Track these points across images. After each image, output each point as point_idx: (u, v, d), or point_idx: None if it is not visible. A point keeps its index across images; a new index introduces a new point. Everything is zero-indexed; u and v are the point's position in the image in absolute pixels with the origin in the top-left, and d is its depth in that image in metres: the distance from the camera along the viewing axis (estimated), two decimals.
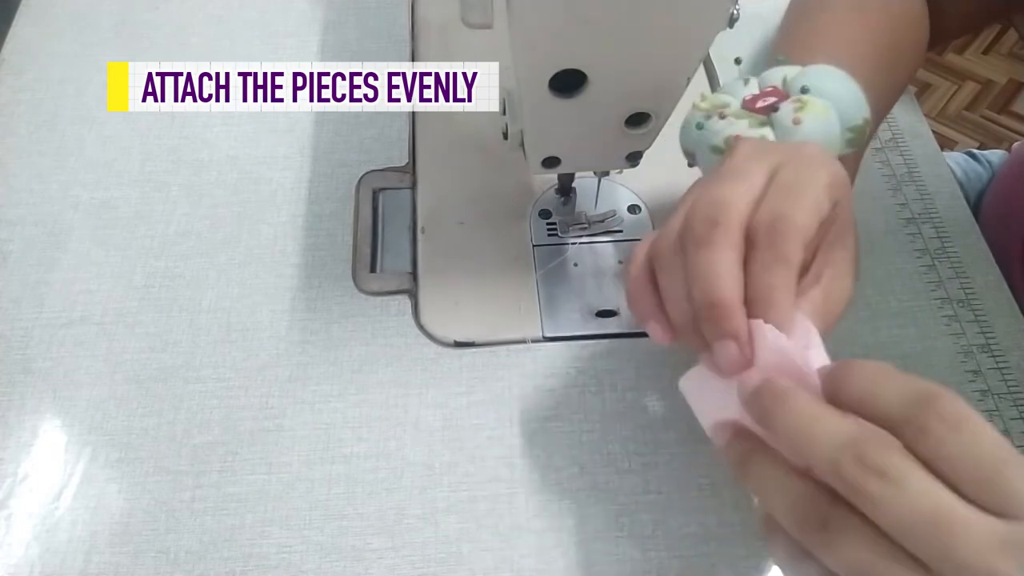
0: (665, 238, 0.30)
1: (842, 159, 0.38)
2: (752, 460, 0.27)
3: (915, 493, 0.22)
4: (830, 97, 0.34)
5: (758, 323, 0.27)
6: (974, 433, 0.22)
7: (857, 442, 0.23)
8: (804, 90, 0.34)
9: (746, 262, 0.28)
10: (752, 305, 0.27)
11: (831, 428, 0.24)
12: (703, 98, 0.37)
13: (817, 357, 0.28)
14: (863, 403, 0.24)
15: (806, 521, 0.24)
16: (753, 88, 0.36)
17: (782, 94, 0.35)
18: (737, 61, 0.38)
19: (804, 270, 0.30)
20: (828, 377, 0.26)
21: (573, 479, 0.39)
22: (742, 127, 0.35)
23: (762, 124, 0.34)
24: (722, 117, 0.36)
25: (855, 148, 0.35)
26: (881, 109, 0.44)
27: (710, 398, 0.30)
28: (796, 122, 0.33)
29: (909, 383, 0.24)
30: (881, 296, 0.45)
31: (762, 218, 0.28)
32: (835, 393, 0.25)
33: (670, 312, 0.30)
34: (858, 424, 0.24)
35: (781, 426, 0.25)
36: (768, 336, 0.27)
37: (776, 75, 0.36)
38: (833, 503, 0.23)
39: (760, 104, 0.35)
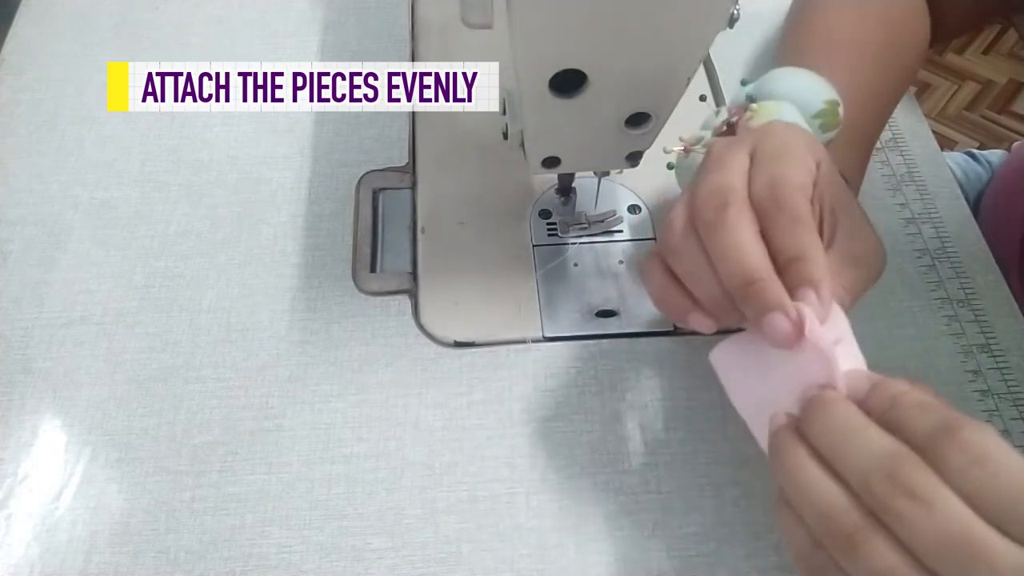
0: (672, 232, 0.30)
1: (839, 150, 0.38)
2: (788, 454, 0.26)
3: (943, 516, 0.22)
4: (784, 95, 0.36)
5: (802, 308, 0.27)
6: (995, 468, 0.22)
7: (891, 459, 0.23)
8: (751, 99, 0.36)
9: (764, 234, 0.28)
10: (788, 269, 0.27)
11: (866, 442, 0.24)
12: (681, 139, 0.39)
13: (846, 354, 0.27)
14: (891, 423, 0.25)
15: (832, 529, 0.24)
16: (723, 116, 0.38)
17: (742, 111, 0.37)
18: (743, 83, 0.39)
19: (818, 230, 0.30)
20: (867, 392, 0.26)
21: (573, 479, 0.39)
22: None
23: None
24: (687, 153, 0.38)
25: (830, 131, 0.36)
26: (886, 103, 0.45)
27: (744, 374, 0.30)
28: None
29: (937, 411, 0.24)
30: (881, 296, 0.45)
31: (761, 189, 0.28)
32: (867, 407, 0.26)
33: (701, 298, 0.30)
34: (894, 443, 0.24)
35: (818, 431, 0.25)
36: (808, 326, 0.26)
37: (740, 96, 0.38)
38: (863, 515, 0.23)
39: (724, 128, 0.37)
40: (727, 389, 0.30)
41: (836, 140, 0.38)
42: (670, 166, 0.41)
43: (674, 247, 0.30)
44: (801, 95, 0.36)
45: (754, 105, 0.36)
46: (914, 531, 0.22)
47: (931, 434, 0.23)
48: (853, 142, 0.40)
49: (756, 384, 0.29)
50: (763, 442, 0.28)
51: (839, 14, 0.45)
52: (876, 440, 0.24)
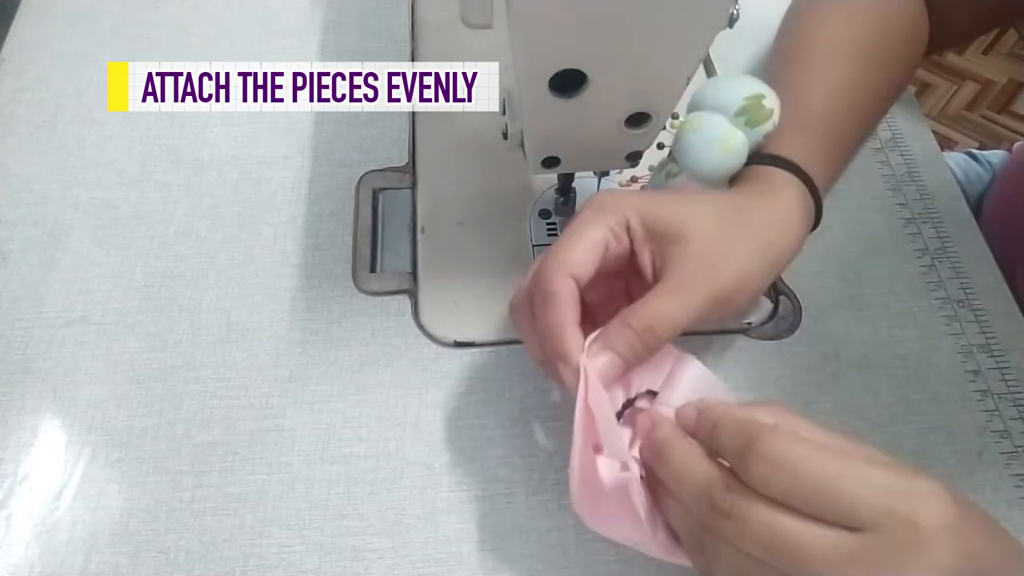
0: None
1: (800, 141, 0.38)
2: (655, 486, 0.30)
3: (757, 526, 0.25)
4: (705, 103, 0.37)
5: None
6: (792, 469, 0.25)
7: (708, 487, 0.27)
8: (675, 116, 0.39)
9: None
10: (543, 345, 0.32)
11: (693, 475, 0.28)
12: (649, 168, 0.41)
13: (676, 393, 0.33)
14: (713, 447, 0.28)
15: (689, 543, 0.29)
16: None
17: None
18: (674, 116, 0.42)
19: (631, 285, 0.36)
20: (694, 420, 0.30)
21: None
22: (657, 170, 0.40)
23: (669, 161, 0.39)
24: (634, 180, 0.46)
25: (759, 124, 0.36)
26: (872, 105, 0.45)
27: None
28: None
29: (736, 429, 0.27)
30: (881, 296, 0.45)
31: (535, 272, 0.33)
32: (695, 435, 0.29)
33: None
34: (709, 470, 0.27)
35: (663, 474, 0.29)
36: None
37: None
38: (706, 530, 0.27)
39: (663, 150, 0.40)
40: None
41: (797, 133, 0.38)
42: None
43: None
44: (718, 99, 0.36)
45: (675, 123, 0.38)
46: (741, 544, 0.26)
47: (738, 451, 0.26)
48: (823, 130, 0.40)
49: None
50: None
51: (826, 16, 0.45)
52: (697, 472, 0.28)
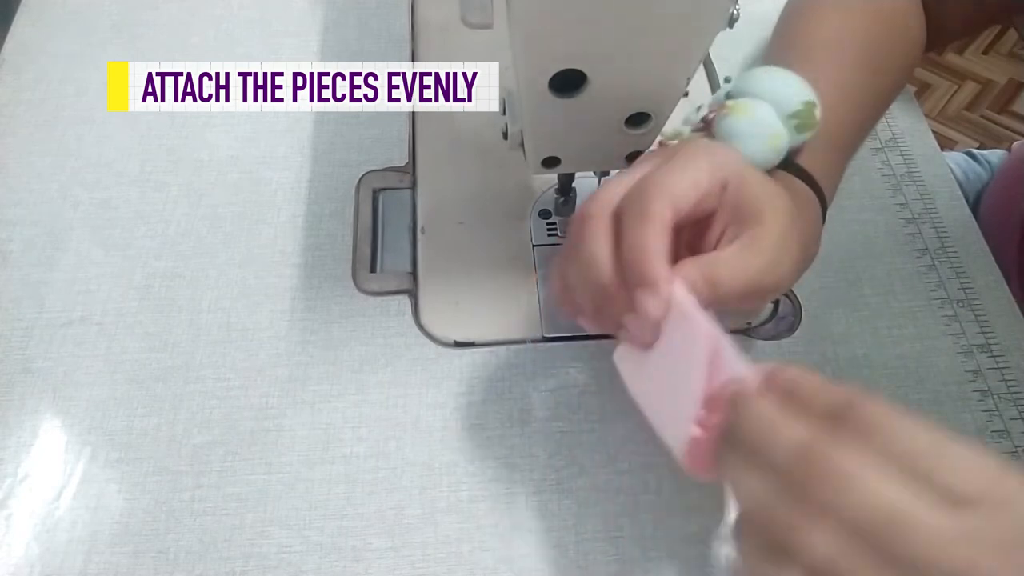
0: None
1: (817, 149, 0.38)
2: (725, 457, 0.26)
3: (865, 494, 0.22)
4: (761, 93, 0.36)
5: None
6: (888, 437, 0.23)
7: (807, 448, 0.23)
8: (729, 96, 0.37)
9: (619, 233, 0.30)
10: (625, 266, 0.29)
11: (785, 434, 0.24)
12: (662, 133, 0.39)
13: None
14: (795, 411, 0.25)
15: (774, 522, 0.24)
16: (704, 112, 0.38)
17: (719, 109, 0.37)
18: (727, 80, 0.39)
19: (696, 242, 0.32)
20: (763, 383, 0.26)
21: (573, 479, 0.39)
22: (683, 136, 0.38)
23: (704, 135, 0.37)
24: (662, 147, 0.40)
25: (806, 131, 0.36)
26: (873, 105, 0.44)
27: (643, 369, 0.30)
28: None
29: (825, 391, 0.25)
30: (881, 296, 0.45)
31: (629, 192, 0.30)
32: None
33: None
34: (808, 429, 0.24)
35: (743, 433, 0.25)
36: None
37: (721, 94, 0.38)
38: (798, 503, 0.23)
39: (701, 124, 0.37)
40: (628, 386, 0.31)
41: (814, 139, 0.38)
42: None
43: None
44: (778, 94, 0.36)
45: (729, 103, 0.36)
46: (843, 514, 0.22)
47: (831, 415, 0.24)
48: (830, 141, 0.40)
49: (656, 377, 0.30)
50: (666, 435, 0.29)
51: (824, 15, 0.45)
52: (791, 431, 0.24)
